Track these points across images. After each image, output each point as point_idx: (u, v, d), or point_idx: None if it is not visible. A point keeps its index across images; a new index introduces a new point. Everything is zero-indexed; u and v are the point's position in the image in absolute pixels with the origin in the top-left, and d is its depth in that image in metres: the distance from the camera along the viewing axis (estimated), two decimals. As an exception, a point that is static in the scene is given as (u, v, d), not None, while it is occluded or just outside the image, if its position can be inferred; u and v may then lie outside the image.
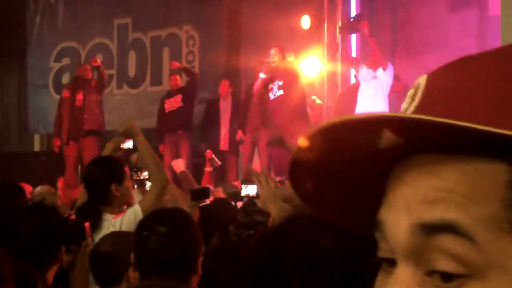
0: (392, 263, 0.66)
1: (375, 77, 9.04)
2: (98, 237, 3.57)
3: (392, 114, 0.61)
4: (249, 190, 4.16)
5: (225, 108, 10.65)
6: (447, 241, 0.61)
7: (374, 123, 0.63)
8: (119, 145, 4.59)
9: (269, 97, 9.48)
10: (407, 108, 0.67)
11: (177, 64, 11.21)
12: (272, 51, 9.60)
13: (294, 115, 9.23)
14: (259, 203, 2.85)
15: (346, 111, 9.44)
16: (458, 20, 10.12)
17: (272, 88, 9.45)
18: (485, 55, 0.67)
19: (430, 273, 0.63)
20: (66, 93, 11.22)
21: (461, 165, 0.62)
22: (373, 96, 9.01)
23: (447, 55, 9.83)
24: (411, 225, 0.63)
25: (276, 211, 2.68)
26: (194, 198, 4.99)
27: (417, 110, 0.66)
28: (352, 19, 10.34)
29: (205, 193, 5.15)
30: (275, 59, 9.52)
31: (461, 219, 0.61)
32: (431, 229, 0.62)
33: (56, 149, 11.09)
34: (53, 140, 11.32)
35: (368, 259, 0.82)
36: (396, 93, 9.61)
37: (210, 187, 7.19)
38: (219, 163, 10.16)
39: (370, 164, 0.69)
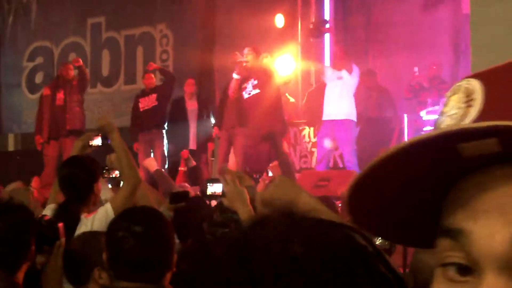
0: (466, 271, 0.65)
1: (340, 78, 9.14)
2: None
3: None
4: (214, 188, 4.15)
5: (192, 107, 10.64)
6: None
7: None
8: (88, 142, 4.54)
9: (243, 96, 9.45)
10: (463, 113, 0.66)
11: (154, 65, 11.15)
12: (246, 50, 9.56)
13: (269, 113, 9.23)
14: (225, 201, 2.84)
15: (314, 109, 9.51)
16: (431, 19, 10.20)
17: (246, 87, 9.41)
18: None
19: None
20: (46, 91, 11.13)
21: None
22: (339, 95, 9.13)
23: (421, 53, 9.93)
24: None
25: (243, 210, 2.68)
26: (173, 202, 4.91)
27: (483, 117, 0.64)
28: (312, 25, 10.44)
29: (184, 197, 5.08)
30: (249, 58, 9.48)
31: None
32: None
33: (39, 147, 11.01)
34: (35, 138, 11.23)
35: (345, 265, 0.82)
36: (370, 89, 9.72)
37: (189, 189, 7.15)
38: (195, 163, 10.14)
39: (439, 176, 0.68)
